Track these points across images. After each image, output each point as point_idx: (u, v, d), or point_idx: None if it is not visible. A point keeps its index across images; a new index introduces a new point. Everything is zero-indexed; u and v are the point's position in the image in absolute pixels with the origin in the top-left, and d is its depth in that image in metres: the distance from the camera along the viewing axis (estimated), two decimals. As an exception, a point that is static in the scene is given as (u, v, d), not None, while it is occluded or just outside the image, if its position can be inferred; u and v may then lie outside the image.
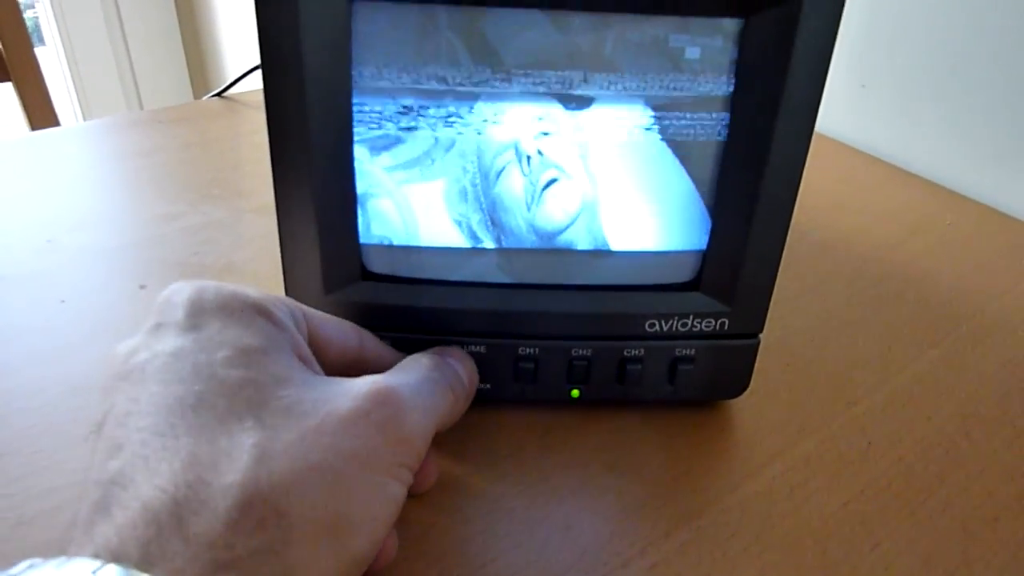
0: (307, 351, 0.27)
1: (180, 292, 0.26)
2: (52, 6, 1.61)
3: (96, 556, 0.19)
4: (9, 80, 1.16)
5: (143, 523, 0.20)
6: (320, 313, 0.30)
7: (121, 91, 1.65)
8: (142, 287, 0.45)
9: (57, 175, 0.57)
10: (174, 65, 1.70)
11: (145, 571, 0.19)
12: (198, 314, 0.25)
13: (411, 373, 0.28)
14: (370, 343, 0.31)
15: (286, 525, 0.21)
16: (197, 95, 1.73)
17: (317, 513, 0.22)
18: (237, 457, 0.22)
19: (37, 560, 0.19)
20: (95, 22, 1.60)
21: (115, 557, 0.19)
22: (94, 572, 0.18)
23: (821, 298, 0.48)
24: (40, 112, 1.17)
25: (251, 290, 0.27)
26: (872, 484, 0.35)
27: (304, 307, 0.29)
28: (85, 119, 1.61)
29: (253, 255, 0.48)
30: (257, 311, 0.26)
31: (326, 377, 0.26)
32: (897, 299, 0.48)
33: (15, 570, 0.19)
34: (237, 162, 0.59)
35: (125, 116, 0.66)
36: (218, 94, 0.68)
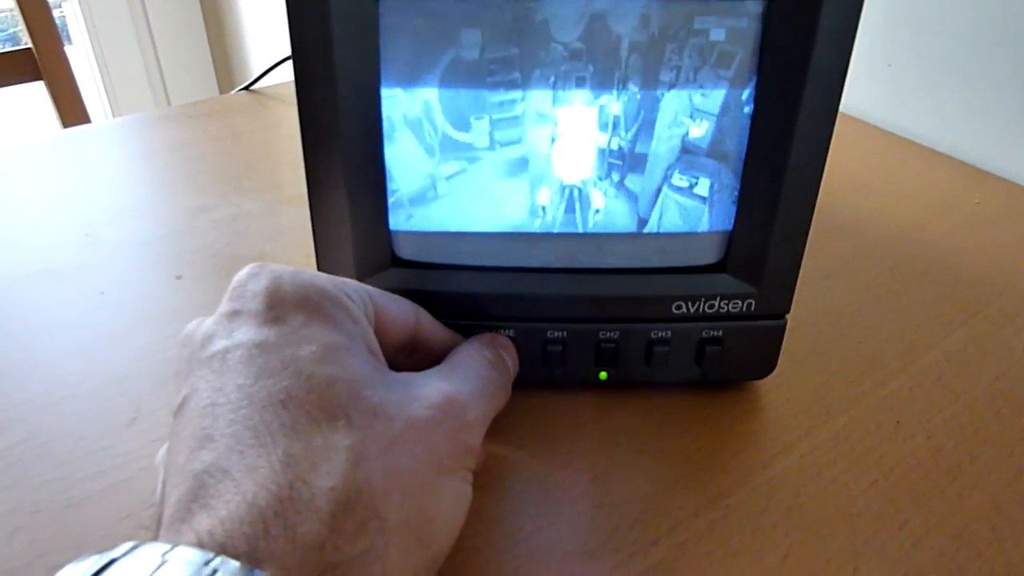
0: (375, 342, 0.27)
1: (257, 279, 0.26)
2: (80, 4, 1.64)
3: (200, 545, 0.19)
4: (41, 79, 1.18)
5: (248, 520, 0.20)
6: (383, 293, 0.30)
7: (148, 85, 1.67)
8: (178, 278, 0.46)
9: (92, 171, 0.58)
10: (199, 59, 1.72)
11: (255, 567, 0.19)
12: (278, 305, 0.25)
13: (472, 378, 0.29)
14: (425, 320, 0.32)
15: (385, 529, 0.22)
16: (222, 88, 1.75)
17: (408, 516, 0.23)
18: (334, 459, 0.22)
19: (141, 543, 0.19)
20: (122, 18, 1.62)
21: (221, 549, 0.19)
22: (206, 563, 0.18)
23: (848, 279, 0.48)
24: (71, 109, 1.19)
25: (322, 277, 0.27)
26: (901, 463, 0.35)
27: (370, 289, 0.29)
28: (114, 114, 1.63)
29: (285, 245, 0.49)
30: (335, 304, 0.26)
31: (397, 375, 0.26)
32: (924, 278, 0.48)
33: (117, 551, 0.19)
34: (267, 154, 0.60)
35: (155, 112, 0.68)
36: (246, 88, 0.69)
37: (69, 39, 1.69)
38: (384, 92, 0.31)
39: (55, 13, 1.23)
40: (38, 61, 1.18)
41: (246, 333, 0.25)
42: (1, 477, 0.34)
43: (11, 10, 1.14)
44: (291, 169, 0.58)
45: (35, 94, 1.21)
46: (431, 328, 0.32)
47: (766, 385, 0.39)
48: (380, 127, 0.32)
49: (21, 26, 1.15)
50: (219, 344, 0.25)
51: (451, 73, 0.31)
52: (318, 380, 0.24)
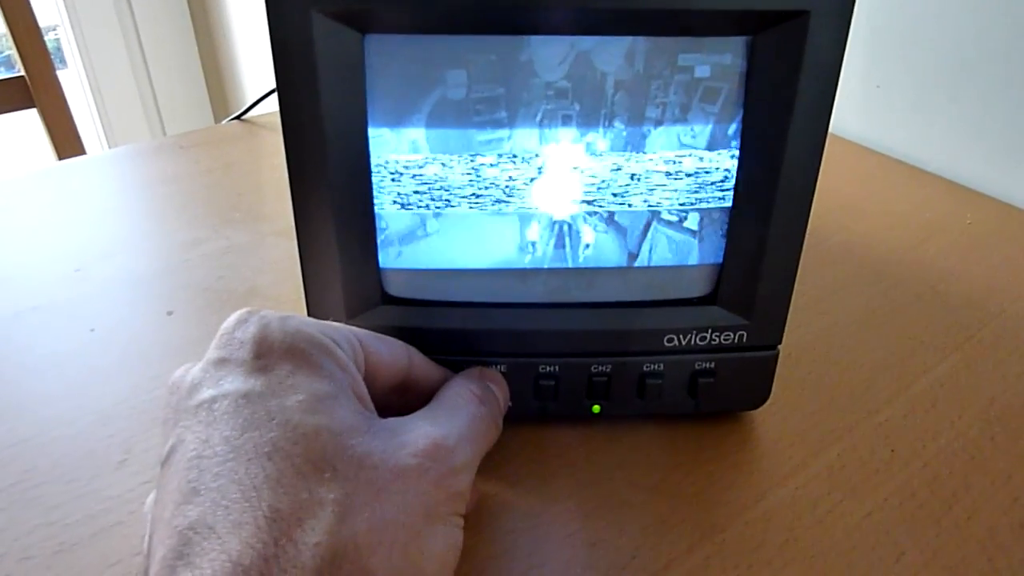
0: (363, 388, 0.27)
1: (245, 327, 0.26)
2: (73, 29, 1.64)
3: None
4: (34, 107, 1.18)
5: None
6: (373, 336, 0.30)
7: (142, 110, 1.67)
8: (169, 313, 0.46)
9: (83, 204, 0.58)
10: (193, 84, 1.72)
11: None
12: (266, 354, 0.25)
13: (459, 417, 0.28)
14: (417, 360, 0.32)
15: None
16: (216, 110, 1.75)
17: (397, 567, 0.23)
18: (320, 514, 0.22)
19: None
20: (116, 46, 1.62)
21: None
22: None
23: (840, 303, 0.48)
24: (65, 136, 1.19)
25: (310, 323, 0.27)
26: (896, 493, 0.35)
27: (359, 333, 0.29)
28: (108, 139, 1.63)
29: (276, 279, 0.49)
30: (322, 351, 0.26)
31: (384, 421, 0.26)
32: (917, 302, 0.48)
33: None
34: (257, 185, 0.60)
35: (147, 143, 0.68)
36: (237, 117, 0.69)
37: (64, 62, 1.69)
38: (371, 132, 0.31)
39: (50, 36, 1.23)
40: (31, 89, 1.18)
41: (233, 383, 0.25)
42: (-10, 523, 0.33)
43: (3, 35, 1.14)
44: (281, 200, 0.58)
45: (29, 121, 1.21)
46: (423, 368, 0.32)
47: (759, 415, 0.39)
48: (368, 166, 0.32)
49: (13, 52, 1.15)
50: (206, 393, 0.25)
51: (438, 113, 0.31)
52: (304, 430, 0.23)
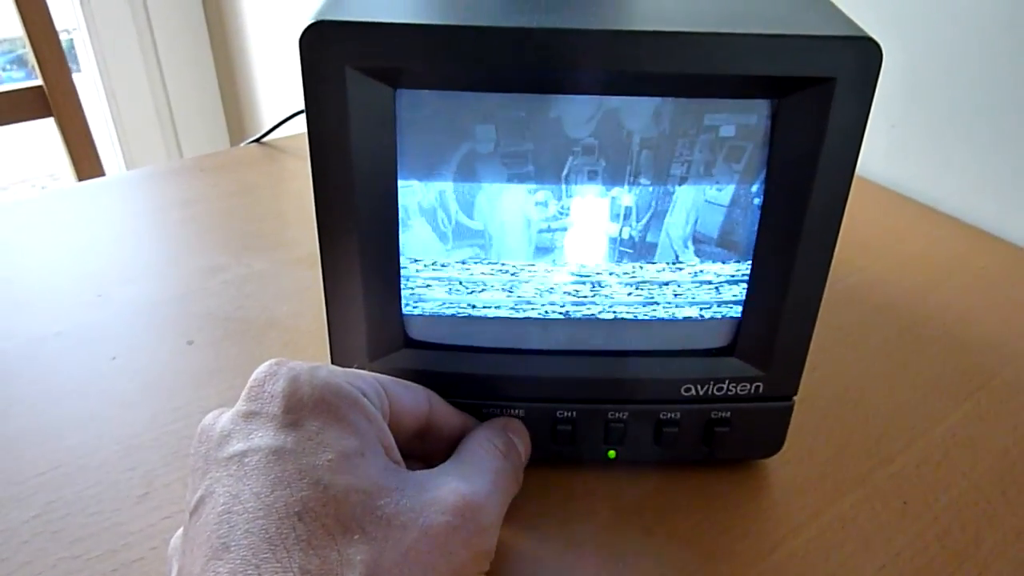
0: (390, 438, 0.28)
1: (275, 380, 0.27)
2: (89, 32, 1.65)
3: None
4: (51, 115, 1.19)
5: None
6: (396, 383, 0.30)
7: (158, 123, 1.68)
8: (190, 343, 0.46)
9: (103, 226, 0.59)
10: (209, 99, 1.73)
11: None
12: (296, 409, 0.26)
13: (484, 472, 0.29)
14: (438, 405, 0.32)
15: None
16: (231, 127, 1.76)
17: None
18: (349, 575, 0.22)
19: None
20: (134, 63, 1.64)
21: None
22: None
23: (853, 348, 0.48)
24: (81, 149, 1.20)
25: (338, 374, 0.28)
26: (908, 547, 0.35)
27: (383, 381, 0.30)
28: (123, 150, 1.64)
29: (295, 309, 0.49)
30: (351, 404, 0.27)
31: (412, 475, 0.27)
32: (931, 347, 0.48)
33: None
34: (277, 211, 0.61)
35: (167, 165, 0.69)
36: (257, 140, 0.70)
37: (78, 67, 1.70)
38: (401, 183, 0.32)
39: (63, 36, 1.23)
40: (48, 98, 1.19)
41: (263, 438, 0.25)
42: (17, 554, 0.34)
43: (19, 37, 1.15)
44: (301, 227, 0.58)
45: (45, 129, 1.23)
46: (443, 413, 0.33)
47: (773, 462, 0.39)
48: (396, 215, 0.33)
49: (29, 52, 1.16)
50: (236, 446, 0.25)
51: (466, 166, 0.31)
52: (334, 491, 0.24)
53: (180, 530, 0.27)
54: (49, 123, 1.21)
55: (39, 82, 1.19)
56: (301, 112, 0.67)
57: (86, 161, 1.23)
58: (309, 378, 0.27)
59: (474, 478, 0.28)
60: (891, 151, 0.68)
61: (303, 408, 0.26)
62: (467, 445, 0.31)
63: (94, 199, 0.63)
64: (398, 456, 0.28)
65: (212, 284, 0.52)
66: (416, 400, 0.31)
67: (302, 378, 0.27)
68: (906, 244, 0.59)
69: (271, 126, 0.70)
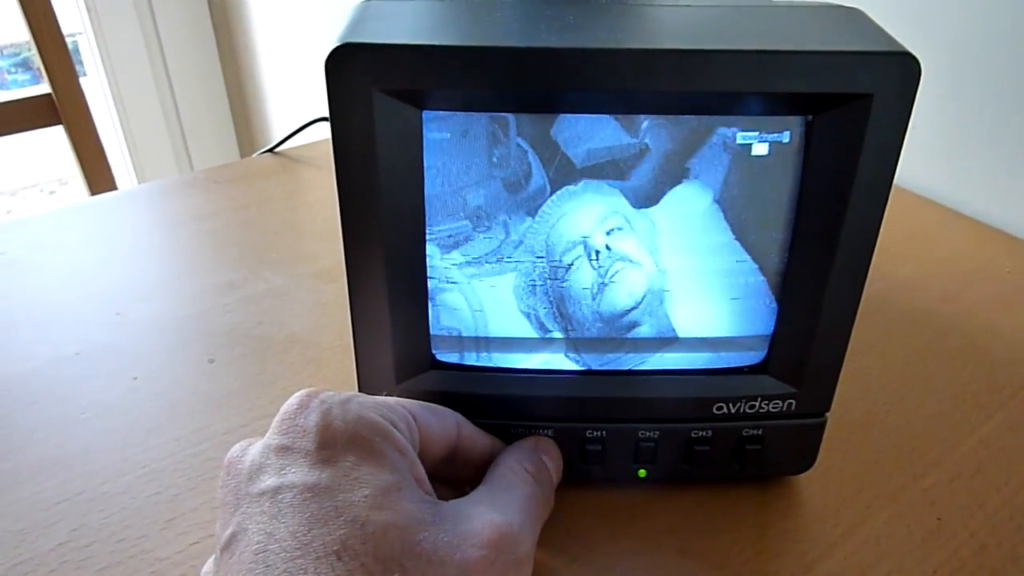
0: (421, 470, 0.27)
1: (307, 413, 0.26)
2: (96, 38, 1.65)
3: None
4: (60, 123, 1.19)
5: None
6: (424, 411, 0.30)
7: (166, 128, 1.68)
8: (211, 361, 0.46)
9: (119, 242, 0.58)
10: (219, 108, 1.73)
11: None
12: (330, 444, 0.25)
13: (517, 499, 0.29)
14: (466, 429, 0.32)
15: None
16: (241, 138, 1.76)
17: None
18: None
19: None
20: (142, 70, 1.64)
21: None
22: None
23: (881, 358, 0.47)
24: (91, 157, 1.20)
25: (369, 405, 0.27)
26: (945, 564, 0.35)
27: (412, 408, 0.29)
28: (132, 158, 1.64)
29: (315, 325, 0.49)
30: (384, 438, 0.26)
31: (446, 506, 0.27)
32: (959, 356, 0.48)
33: None
34: (293, 223, 0.60)
35: (179, 178, 0.68)
36: (270, 150, 0.70)
37: (83, 70, 1.70)
38: (428, 204, 0.31)
39: (68, 40, 1.23)
40: (57, 106, 1.19)
41: (297, 473, 0.25)
42: (43, 584, 0.34)
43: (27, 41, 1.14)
44: (317, 240, 0.58)
45: (53, 134, 1.23)
46: (471, 437, 0.32)
47: (805, 479, 0.39)
48: (423, 236, 0.32)
49: (36, 58, 1.16)
50: (269, 481, 0.25)
51: (487, 186, 0.31)
52: (372, 528, 0.24)
53: (211, 560, 0.26)
54: (57, 129, 1.21)
55: (48, 89, 1.19)
56: (316, 121, 0.67)
57: (96, 169, 1.23)
58: (342, 412, 0.26)
59: (506, 507, 0.28)
60: (913, 152, 0.67)
61: (337, 443, 0.25)
62: (498, 470, 0.31)
63: (107, 214, 0.62)
64: (429, 487, 0.28)
65: (230, 300, 0.51)
66: (444, 426, 0.31)
67: (334, 411, 0.26)
68: (930, 249, 0.59)
69: (283, 134, 0.69)
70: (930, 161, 0.66)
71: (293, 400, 0.27)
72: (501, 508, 0.27)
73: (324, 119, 0.67)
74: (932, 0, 0.62)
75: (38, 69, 1.19)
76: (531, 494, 0.30)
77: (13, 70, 2.21)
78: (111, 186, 1.25)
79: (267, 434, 0.27)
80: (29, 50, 1.16)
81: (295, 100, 1.38)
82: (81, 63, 1.71)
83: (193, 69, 1.67)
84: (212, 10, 1.64)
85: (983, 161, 0.62)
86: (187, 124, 1.69)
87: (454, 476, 0.32)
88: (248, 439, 0.28)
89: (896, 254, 0.58)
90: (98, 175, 1.23)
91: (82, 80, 1.24)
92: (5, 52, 2.11)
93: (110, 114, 1.63)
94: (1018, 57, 0.58)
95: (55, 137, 1.23)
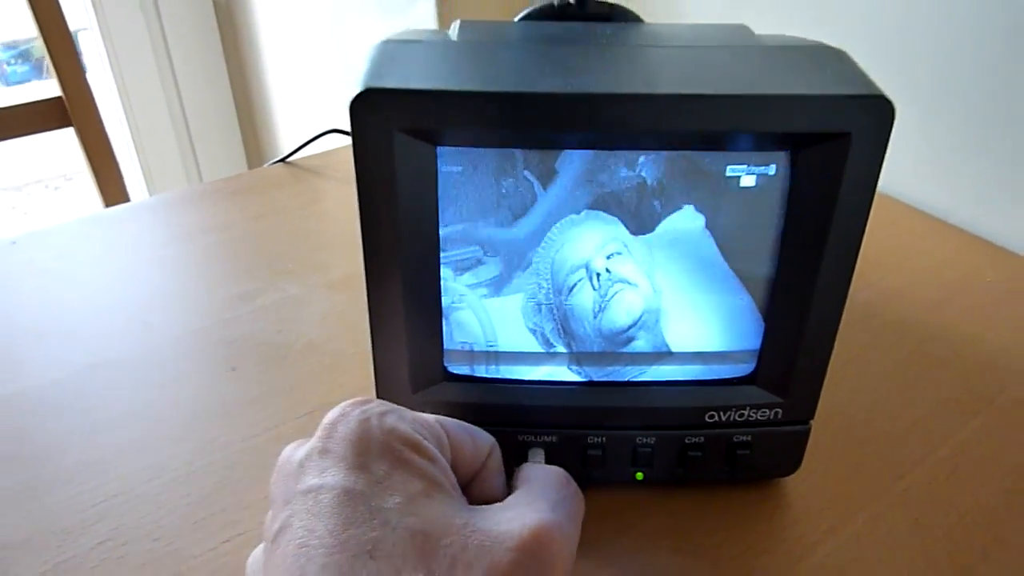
0: (452, 476, 0.29)
1: (346, 423, 0.29)
2: (106, 44, 1.67)
3: None
4: (71, 125, 1.21)
5: None
6: (459, 429, 0.31)
7: (173, 131, 1.70)
8: (233, 369, 0.49)
9: (136, 252, 0.61)
10: (226, 113, 1.75)
11: None
12: (363, 452, 0.28)
13: (552, 498, 0.30)
14: (494, 458, 0.33)
15: None
16: (246, 139, 1.78)
17: None
18: None
19: None
20: (149, 74, 1.65)
21: None
22: None
23: (865, 365, 0.50)
24: (101, 159, 1.23)
25: (406, 418, 0.29)
26: (919, 562, 0.38)
27: (447, 425, 0.31)
28: (140, 163, 1.67)
29: (332, 334, 0.51)
30: (414, 449, 0.28)
31: (478, 511, 0.28)
32: (940, 365, 0.50)
33: None
34: (307, 233, 0.63)
35: (191, 188, 0.71)
36: (282, 160, 0.72)
37: (87, 69, 1.72)
38: (443, 231, 0.34)
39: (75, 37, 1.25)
40: (67, 109, 1.22)
41: (335, 476, 0.27)
42: (86, 579, 0.36)
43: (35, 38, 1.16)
44: (331, 249, 0.61)
45: (58, 133, 1.25)
46: (495, 471, 0.33)
47: (791, 481, 0.42)
48: (438, 263, 0.35)
49: (40, 52, 1.18)
50: (312, 480, 0.27)
51: (497, 215, 0.34)
52: (402, 533, 0.26)
53: (260, 547, 0.29)
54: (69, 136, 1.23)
55: (58, 92, 1.21)
56: (329, 132, 0.70)
57: (106, 170, 1.25)
58: (378, 423, 0.29)
59: (541, 504, 0.29)
60: (897, 161, 0.69)
61: (370, 452, 0.28)
62: (528, 476, 0.32)
63: (123, 224, 0.65)
64: (460, 494, 0.29)
65: (249, 310, 0.54)
66: (478, 447, 0.32)
67: (372, 422, 0.29)
68: (915, 259, 0.61)
69: (294, 144, 0.72)
70: (918, 170, 0.69)
71: (336, 409, 0.29)
72: (535, 506, 0.29)
73: (337, 131, 0.70)
74: (919, 13, 0.64)
75: (39, 60, 1.21)
76: (568, 495, 0.31)
77: (12, 61, 2.24)
78: (121, 187, 1.28)
79: (313, 437, 0.29)
80: (29, 43, 1.17)
81: (303, 109, 1.40)
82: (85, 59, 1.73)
83: (199, 68, 1.69)
84: (217, 11, 1.66)
85: (968, 169, 0.65)
86: (192, 122, 1.71)
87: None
88: (300, 439, 0.30)
89: (883, 264, 0.60)
90: (108, 176, 1.26)
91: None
92: (5, 44, 2.14)
93: (116, 111, 1.65)
94: (1003, 69, 0.60)
95: (59, 133, 1.25)
